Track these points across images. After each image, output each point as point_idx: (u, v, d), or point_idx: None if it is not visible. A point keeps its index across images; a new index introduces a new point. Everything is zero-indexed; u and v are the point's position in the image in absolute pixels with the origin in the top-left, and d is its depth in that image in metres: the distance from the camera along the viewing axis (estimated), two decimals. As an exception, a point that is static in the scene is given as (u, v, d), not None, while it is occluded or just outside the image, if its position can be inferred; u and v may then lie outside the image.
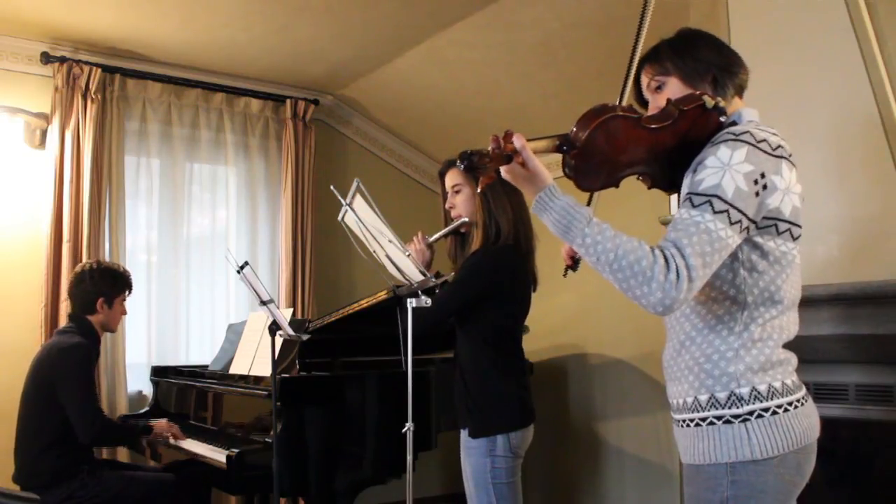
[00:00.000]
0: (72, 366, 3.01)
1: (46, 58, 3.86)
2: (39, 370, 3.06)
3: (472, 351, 2.35)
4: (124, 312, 3.32)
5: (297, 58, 4.18)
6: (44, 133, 3.88)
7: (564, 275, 1.77)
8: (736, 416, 1.39)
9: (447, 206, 2.45)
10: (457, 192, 2.42)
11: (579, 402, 4.46)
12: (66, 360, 3.01)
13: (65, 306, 3.60)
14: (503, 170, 1.40)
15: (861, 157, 2.48)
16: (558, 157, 1.42)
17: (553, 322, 4.40)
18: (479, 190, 2.31)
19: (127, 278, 3.29)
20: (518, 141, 1.37)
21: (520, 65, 3.97)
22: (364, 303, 2.84)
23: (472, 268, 2.33)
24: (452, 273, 2.45)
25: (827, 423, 2.51)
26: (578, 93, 4.03)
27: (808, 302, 2.40)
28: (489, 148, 1.35)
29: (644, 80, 1.59)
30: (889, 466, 2.43)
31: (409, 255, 2.20)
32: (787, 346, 1.46)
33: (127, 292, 3.28)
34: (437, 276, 2.37)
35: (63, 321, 3.57)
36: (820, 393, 2.52)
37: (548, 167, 1.46)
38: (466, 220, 2.38)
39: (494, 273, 2.31)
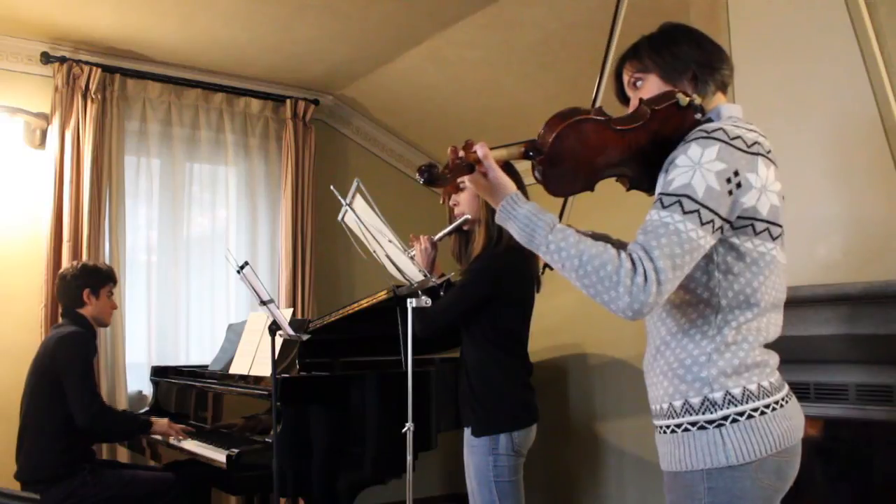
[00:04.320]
0: (71, 350, 3.03)
1: (46, 58, 3.86)
2: (41, 363, 3.08)
3: (477, 351, 2.37)
4: (114, 307, 3.34)
5: (297, 58, 4.17)
6: (44, 133, 3.88)
7: (543, 272, 1.78)
8: (710, 422, 1.34)
9: (451, 203, 2.45)
10: (460, 189, 2.41)
11: (579, 402, 4.46)
12: (66, 345, 3.04)
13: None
14: (467, 179, 1.37)
15: (862, 157, 2.47)
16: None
17: (553, 322, 4.39)
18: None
19: (108, 271, 3.31)
20: (481, 150, 1.34)
21: (520, 65, 3.97)
22: (364, 303, 2.85)
23: (476, 272, 2.35)
24: (454, 273, 2.45)
25: (827, 423, 2.55)
26: (578, 93, 4.02)
27: (810, 302, 2.41)
28: (449, 159, 1.32)
29: (625, 77, 1.55)
30: (889, 466, 2.43)
31: (412, 256, 2.21)
32: (771, 346, 1.41)
33: (112, 284, 3.29)
34: (441, 276, 2.38)
35: (63, 321, 3.57)
36: (820, 393, 2.52)
37: (524, 173, 1.42)
38: (469, 217, 2.38)
39: (499, 277, 2.32)
